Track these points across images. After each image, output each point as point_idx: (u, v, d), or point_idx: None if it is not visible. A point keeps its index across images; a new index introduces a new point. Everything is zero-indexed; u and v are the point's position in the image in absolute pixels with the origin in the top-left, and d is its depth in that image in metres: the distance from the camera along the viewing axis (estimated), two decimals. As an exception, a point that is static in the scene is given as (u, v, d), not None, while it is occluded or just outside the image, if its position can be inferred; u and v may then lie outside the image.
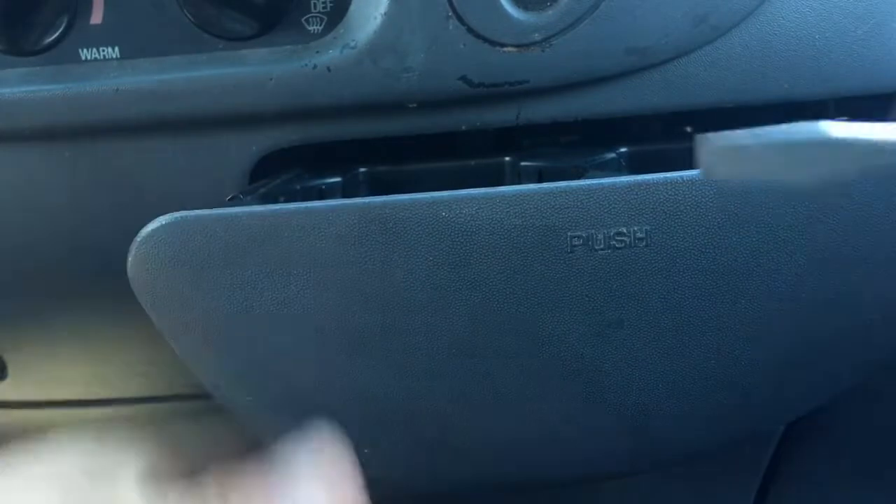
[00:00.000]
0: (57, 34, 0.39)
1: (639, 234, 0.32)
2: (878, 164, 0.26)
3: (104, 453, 0.33)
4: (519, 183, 0.40)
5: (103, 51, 0.39)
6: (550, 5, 0.37)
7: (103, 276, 0.42)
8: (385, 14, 0.37)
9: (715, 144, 0.26)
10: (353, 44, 0.38)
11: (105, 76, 0.39)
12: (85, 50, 0.39)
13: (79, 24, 0.39)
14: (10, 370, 0.49)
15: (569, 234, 0.32)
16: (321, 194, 0.40)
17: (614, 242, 0.32)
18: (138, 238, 0.32)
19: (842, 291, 0.35)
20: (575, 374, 0.35)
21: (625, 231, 0.32)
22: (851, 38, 0.39)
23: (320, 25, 0.39)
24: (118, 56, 0.40)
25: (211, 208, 0.32)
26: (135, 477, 0.33)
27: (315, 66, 0.38)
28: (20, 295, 0.45)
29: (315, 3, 0.39)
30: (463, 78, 0.38)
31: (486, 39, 0.37)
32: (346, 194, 0.41)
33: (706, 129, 0.42)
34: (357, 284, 0.33)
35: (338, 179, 0.41)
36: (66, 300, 0.45)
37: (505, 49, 0.38)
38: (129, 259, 0.32)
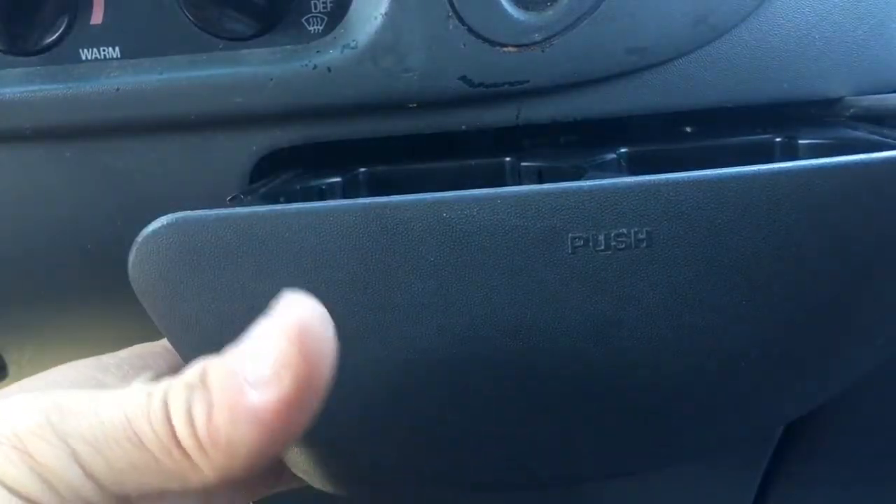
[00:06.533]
0: (57, 34, 0.39)
1: (640, 235, 0.32)
2: None
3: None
4: (519, 183, 0.40)
5: (103, 51, 0.39)
6: (550, 5, 0.37)
7: (103, 276, 0.42)
8: (385, 14, 0.37)
9: None
10: (353, 44, 0.38)
11: (105, 76, 0.39)
12: (85, 50, 0.39)
13: (79, 24, 0.39)
14: (11, 370, 0.49)
15: (570, 235, 0.32)
16: (321, 194, 0.40)
17: (615, 243, 0.32)
18: (139, 238, 0.32)
19: (841, 292, 0.35)
20: (575, 374, 0.35)
21: (625, 232, 0.32)
22: (851, 38, 0.40)
23: (320, 25, 0.39)
24: (118, 56, 0.40)
25: (211, 208, 0.32)
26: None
27: (315, 67, 0.38)
28: (20, 295, 0.45)
29: (315, 3, 0.39)
30: (463, 78, 0.38)
31: (486, 39, 0.37)
32: (347, 194, 0.41)
33: (706, 129, 0.43)
34: (357, 285, 0.33)
35: (338, 179, 0.41)
36: (67, 300, 0.45)
37: (505, 49, 0.38)
38: (130, 259, 0.32)
